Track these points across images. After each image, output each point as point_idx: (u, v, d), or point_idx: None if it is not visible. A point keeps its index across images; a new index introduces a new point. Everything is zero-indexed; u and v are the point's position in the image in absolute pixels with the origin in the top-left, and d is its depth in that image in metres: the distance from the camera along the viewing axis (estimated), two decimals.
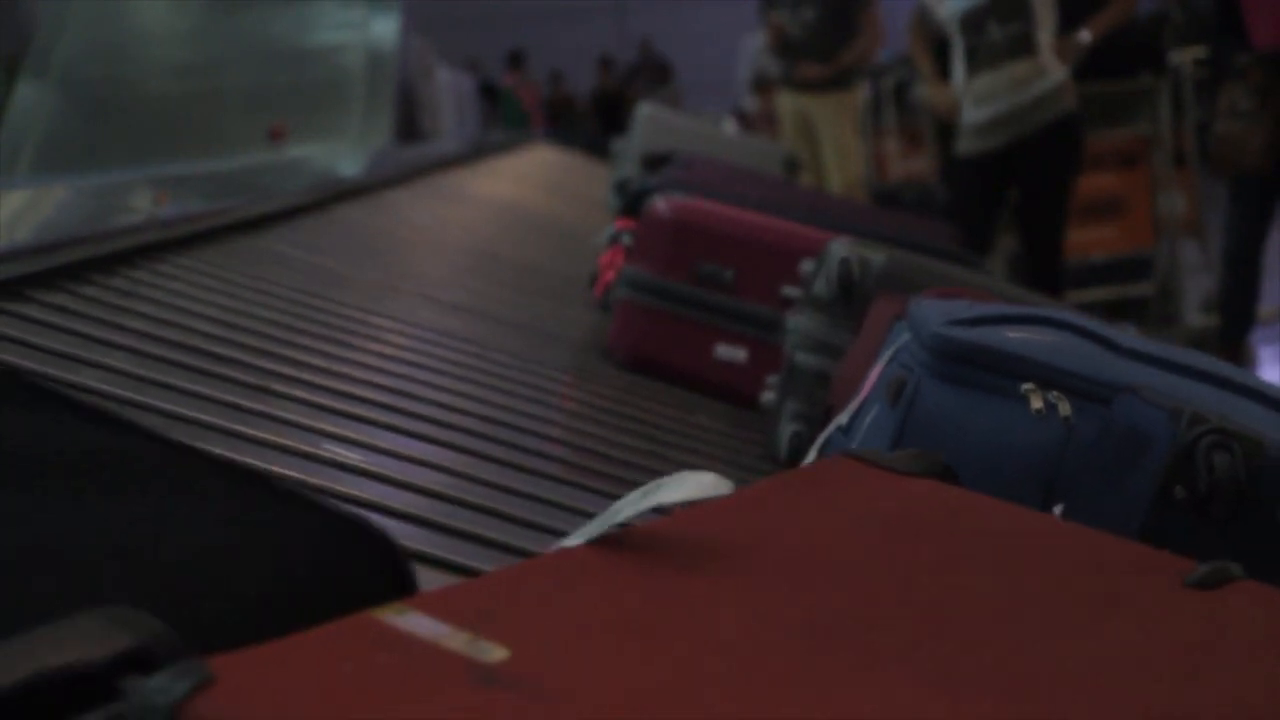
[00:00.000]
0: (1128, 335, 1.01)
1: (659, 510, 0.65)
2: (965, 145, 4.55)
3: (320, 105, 6.67)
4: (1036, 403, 0.91)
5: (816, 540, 0.66)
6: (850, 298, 1.40)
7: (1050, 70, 4.40)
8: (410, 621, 0.55)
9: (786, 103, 5.95)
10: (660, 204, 2.18)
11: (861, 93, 6.23)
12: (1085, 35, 4.51)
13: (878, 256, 1.41)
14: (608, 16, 14.34)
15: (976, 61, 4.43)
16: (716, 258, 2.00)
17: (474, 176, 5.19)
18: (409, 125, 7.69)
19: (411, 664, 0.53)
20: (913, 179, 6.46)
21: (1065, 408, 0.94)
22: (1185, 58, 6.05)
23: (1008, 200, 4.69)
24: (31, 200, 3.05)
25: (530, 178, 5.34)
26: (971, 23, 4.43)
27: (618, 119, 8.85)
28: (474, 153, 6.01)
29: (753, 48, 8.02)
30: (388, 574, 0.62)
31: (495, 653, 0.54)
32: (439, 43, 8.90)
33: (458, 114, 8.67)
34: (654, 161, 3.36)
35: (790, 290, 1.66)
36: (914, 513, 0.69)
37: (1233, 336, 4.65)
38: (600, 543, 0.62)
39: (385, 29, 6.95)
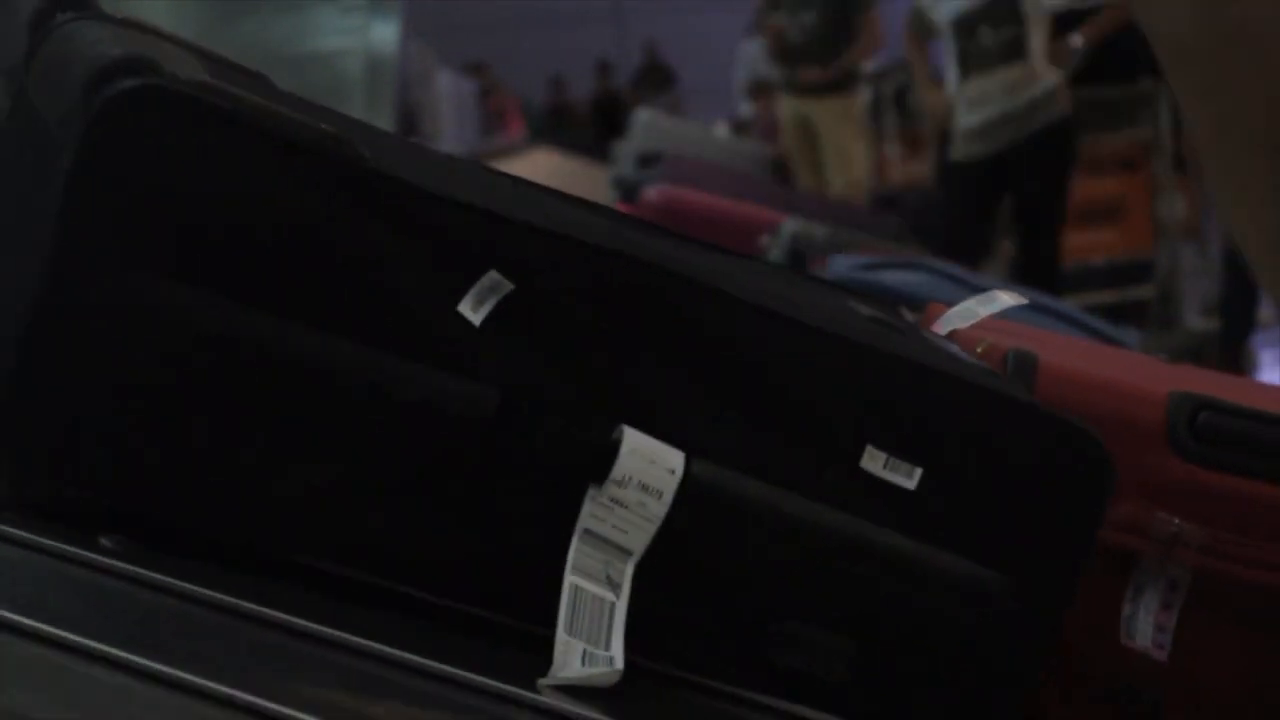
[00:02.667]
0: (977, 275, 1.46)
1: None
2: (959, 150, 4.72)
3: None
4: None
5: None
6: (798, 263, 1.85)
7: (1042, 75, 4.60)
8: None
9: (788, 107, 6.05)
10: (651, 192, 2.76)
11: (863, 97, 6.31)
12: (1077, 40, 4.74)
13: (820, 230, 1.85)
14: (607, 21, 14.46)
15: (968, 66, 4.61)
16: (694, 233, 2.52)
17: None
18: (409, 130, 8.04)
19: None
20: (913, 183, 6.62)
21: None
22: None
23: (1003, 205, 4.87)
24: None
25: (535, 179, 5.66)
26: (964, 27, 4.60)
27: (617, 124, 9.15)
28: (478, 156, 6.35)
29: (749, 53, 8.13)
30: None
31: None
32: (438, 47, 9.22)
33: (457, 118, 8.98)
34: (649, 160, 3.92)
35: None
36: None
37: (1233, 340, 4.86)
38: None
39: (385, 34, 7.22)
